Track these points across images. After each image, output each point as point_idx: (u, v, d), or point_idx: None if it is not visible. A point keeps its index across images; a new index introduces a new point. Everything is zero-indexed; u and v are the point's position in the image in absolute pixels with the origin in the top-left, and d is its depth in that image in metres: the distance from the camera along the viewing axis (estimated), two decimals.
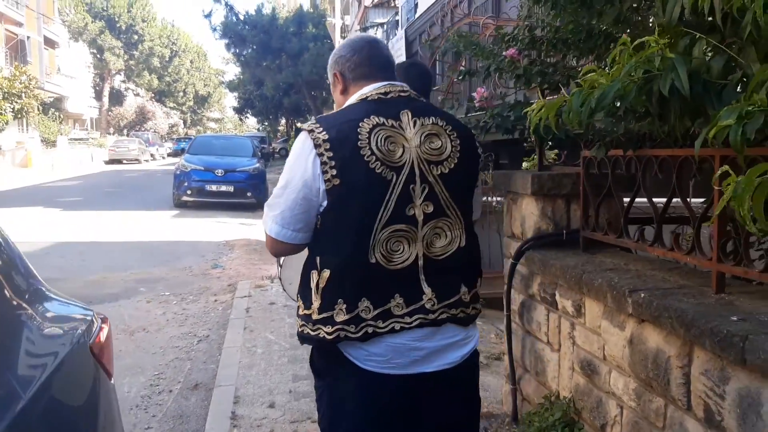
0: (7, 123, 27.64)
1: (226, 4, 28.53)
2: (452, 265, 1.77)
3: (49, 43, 42.11)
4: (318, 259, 1.70)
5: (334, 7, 16.88)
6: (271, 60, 30.26)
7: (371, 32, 32.66)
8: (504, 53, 2.75)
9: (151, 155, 42.81)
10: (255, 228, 12.30)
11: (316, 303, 1.69)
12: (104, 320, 1.79)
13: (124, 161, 37.60)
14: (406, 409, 1.75)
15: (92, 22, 48.96)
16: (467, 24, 6.32)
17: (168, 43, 58.15)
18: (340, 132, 1.66)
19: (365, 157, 1.63)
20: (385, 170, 1.65)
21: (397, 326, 1.68)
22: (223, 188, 15.10)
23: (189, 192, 15.03)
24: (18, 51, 35.45)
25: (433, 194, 1.71)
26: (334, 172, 1.62)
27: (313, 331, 1.71)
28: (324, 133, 1.66)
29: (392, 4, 31.10)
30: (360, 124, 1.67)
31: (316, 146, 1.64)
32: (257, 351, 4.85)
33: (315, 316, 1.69)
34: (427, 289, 1.72)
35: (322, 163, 1.63)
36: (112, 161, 37.21)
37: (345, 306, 1.66)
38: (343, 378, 1.73)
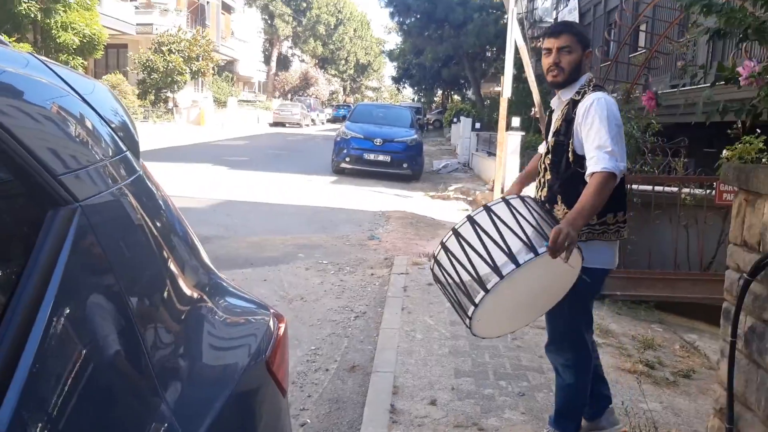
0: (185, 83, 29.66)
1: None
2: None
3: (226, 8, 44.65)
4: None
5: None
6: (434, 30, 29.80)
7: (539, 2, 31.28)
8: None
9: (312, 120, 44.21)
10: (410, 200, 12.09)
11: None
12: (279, 319, 1.49)
13: (287, 125, 39.12)
14: None
15: None
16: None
17: (334, 11, 59.49)
18: None
19: None
20: None
21: None
22: (381, 158, 15.06)
23: (347, 159, 15.13)
24: (198, 15, 37.85)
25: None
26: None
27: None
28: None
29: None
30: None
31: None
32: (416, 336, 4.56)
33: None
34: None
35: None
36: (276, 124, 38.87)
37: None
38: None
